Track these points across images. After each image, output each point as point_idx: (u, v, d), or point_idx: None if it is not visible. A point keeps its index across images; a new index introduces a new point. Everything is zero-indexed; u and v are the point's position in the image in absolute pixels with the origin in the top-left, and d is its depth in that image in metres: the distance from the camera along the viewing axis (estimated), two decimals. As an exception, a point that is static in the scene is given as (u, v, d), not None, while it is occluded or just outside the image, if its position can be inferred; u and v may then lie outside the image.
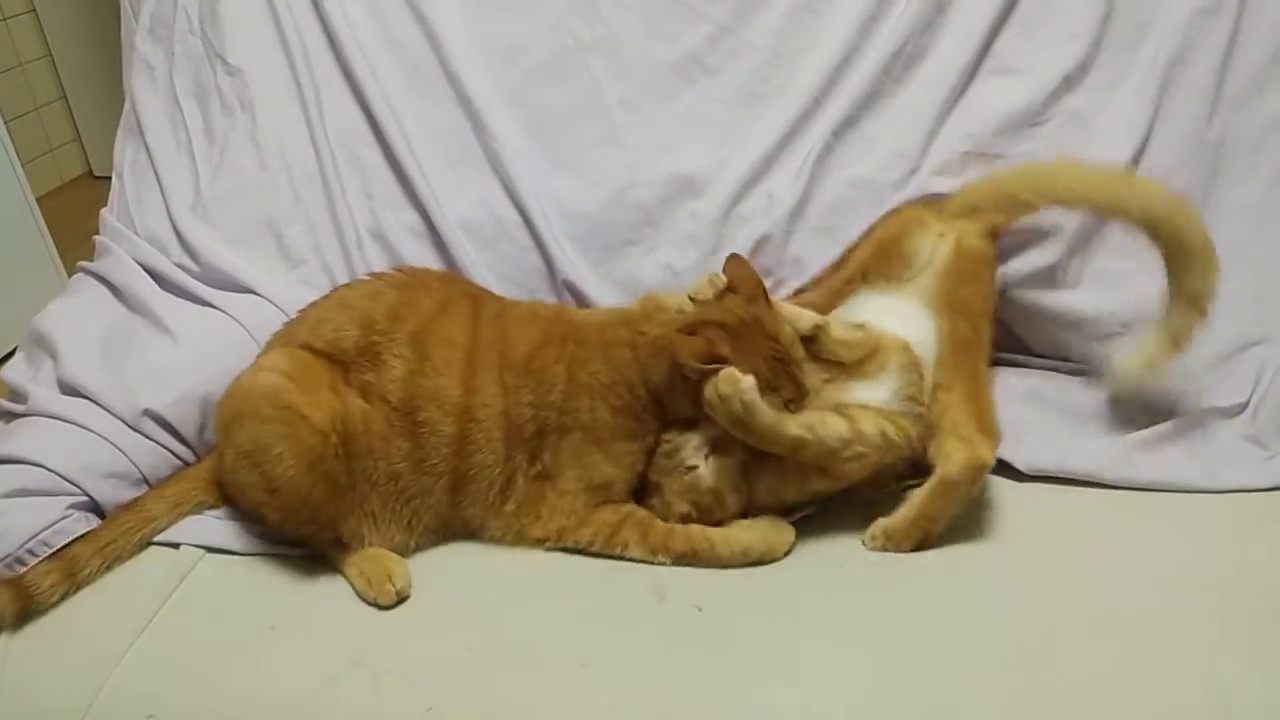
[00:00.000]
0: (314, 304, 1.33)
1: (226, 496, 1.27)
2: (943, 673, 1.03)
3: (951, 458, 1.17)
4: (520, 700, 1.03)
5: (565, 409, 1.21)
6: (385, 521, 1.22)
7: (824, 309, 1.36)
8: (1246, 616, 1.08)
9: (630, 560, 1.20)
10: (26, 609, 1.11)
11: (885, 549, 1.20)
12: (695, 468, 1.21)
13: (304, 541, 1.21)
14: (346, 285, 1.36)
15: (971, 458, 1.17)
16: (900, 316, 1.31)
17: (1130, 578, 1.13)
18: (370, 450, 1.20)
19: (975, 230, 1.36)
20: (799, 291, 1.48)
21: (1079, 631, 1.06)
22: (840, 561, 1.19)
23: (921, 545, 1.19)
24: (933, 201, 1.43)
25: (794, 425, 1.16)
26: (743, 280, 1.25)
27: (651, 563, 1.20)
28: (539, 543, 1.23)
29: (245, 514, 1.25)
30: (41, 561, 1.14)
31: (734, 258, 1.30)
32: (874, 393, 1.24)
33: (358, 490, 1.20)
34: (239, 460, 1.17)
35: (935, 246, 1.35)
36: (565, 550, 1.22)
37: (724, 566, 1.19)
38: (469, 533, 1.25)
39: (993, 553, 1.18)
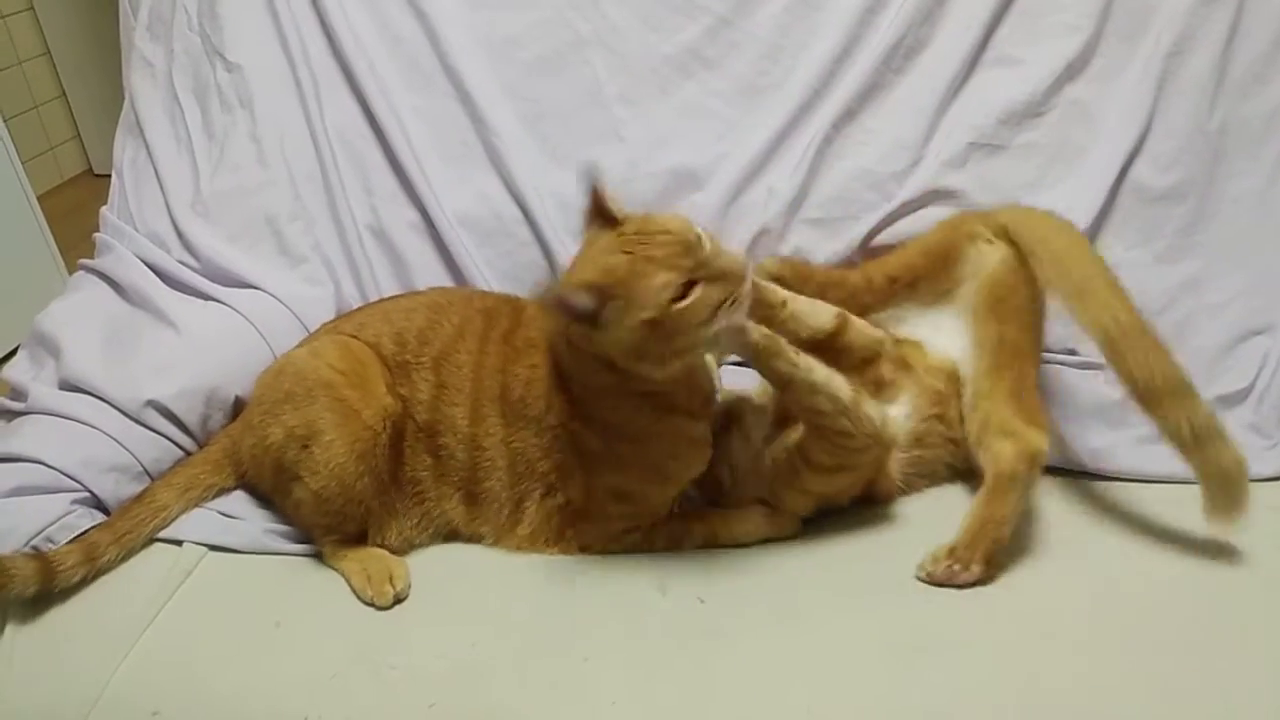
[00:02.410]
0: (361, 308, 1.37)
1: (246, 472, 1.27)
2: (943, 667, 1.03)
3: (1002, 454, 1.16)
4: (523, 695, 1.03)
5: (580, 449, 1.18)
6: (401, 517, 1.22)
7: (867, 304, 1.34)
8: (1249, 609, 1.08)
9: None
10: (50, 583, 1.11)
11: (951, 571, 1.11)
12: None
13: (321, 529, 1.21)
14: (390, 298, 1.38)
15: (1022, 448, 1.15)
16: (943, 332, 1.31)
17: (1133, 570, 1.13)
18: (400, 453, 1.22)
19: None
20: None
21: (1080, 626, 1.06)
22: (842, 555, 1.19)
23: (991, 558, 1.12)
24: (984, 212, 1.37)
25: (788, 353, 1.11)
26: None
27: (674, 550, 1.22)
28: (552, 553, 1.22)
29: (268, 491, 1.26)
30: (63, 544, 1.15)
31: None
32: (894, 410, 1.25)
33: (387, 486, 1.22)
34: (288, 438, 1.18)
35: (983, 254, 1.31)
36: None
37: (737, 544, 1.21)
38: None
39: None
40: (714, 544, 1.21)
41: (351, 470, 1.16)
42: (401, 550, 1.22)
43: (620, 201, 1.10)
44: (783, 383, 1.13)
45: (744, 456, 1.24)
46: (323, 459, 1.16)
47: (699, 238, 1.04)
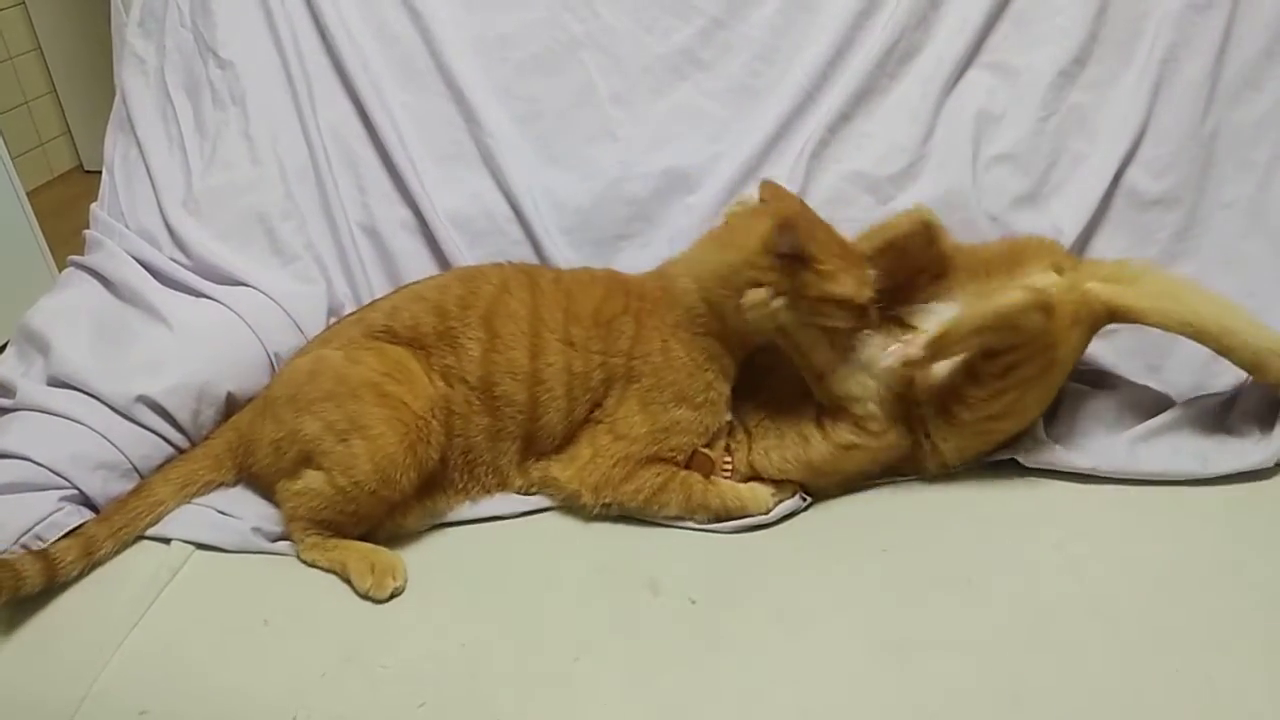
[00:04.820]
0: (386, 296, 1.38)
1: (251, 465, 1.27)
2: (936, 667, 1.03)
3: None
4: (514, 695, 1.03)
5: (634, 354, 1.24)
6: (438, 486, 1.25)
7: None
8: (1235, 609, 1.08)
9: (665, 521, 1.24)
10: (52, 580, 1.12)
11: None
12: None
13: (320, 524, 1.20)
14: (415, 282, 1.39)
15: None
16: None
17: (1122, 571, 1.13)
18: (450, 430, 1.24)
19: (1088, 303, 1.24)
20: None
21: (1073, 626, 1.06)
22: (835, 554, 1.19)
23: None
24: (1077, 258, 1.35)
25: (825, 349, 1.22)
26: (779, 198, 1.28)
27: (686, 520, 1.24)
28: (568, 493, 1.25)
29: (274, 477, 1.24)
30: (61, 538, 1.15)
31: (767, 183, 1.31)
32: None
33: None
34: (326, 431, 1.18)
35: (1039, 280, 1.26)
36: (604, 508, 1.24)
37: (747, 516, 1.23)
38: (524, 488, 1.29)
39: (988, 547, 1.18)
40: (728, 513, 1.23)
41: (400, 463, 1.17)
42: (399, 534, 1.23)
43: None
44: (820, 370, 1.23)
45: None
46: (366, 452, 1.16)
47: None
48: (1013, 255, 1.32)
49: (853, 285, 1.18)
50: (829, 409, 1.25)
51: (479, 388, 1.24)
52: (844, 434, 1.23)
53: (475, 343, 1.25)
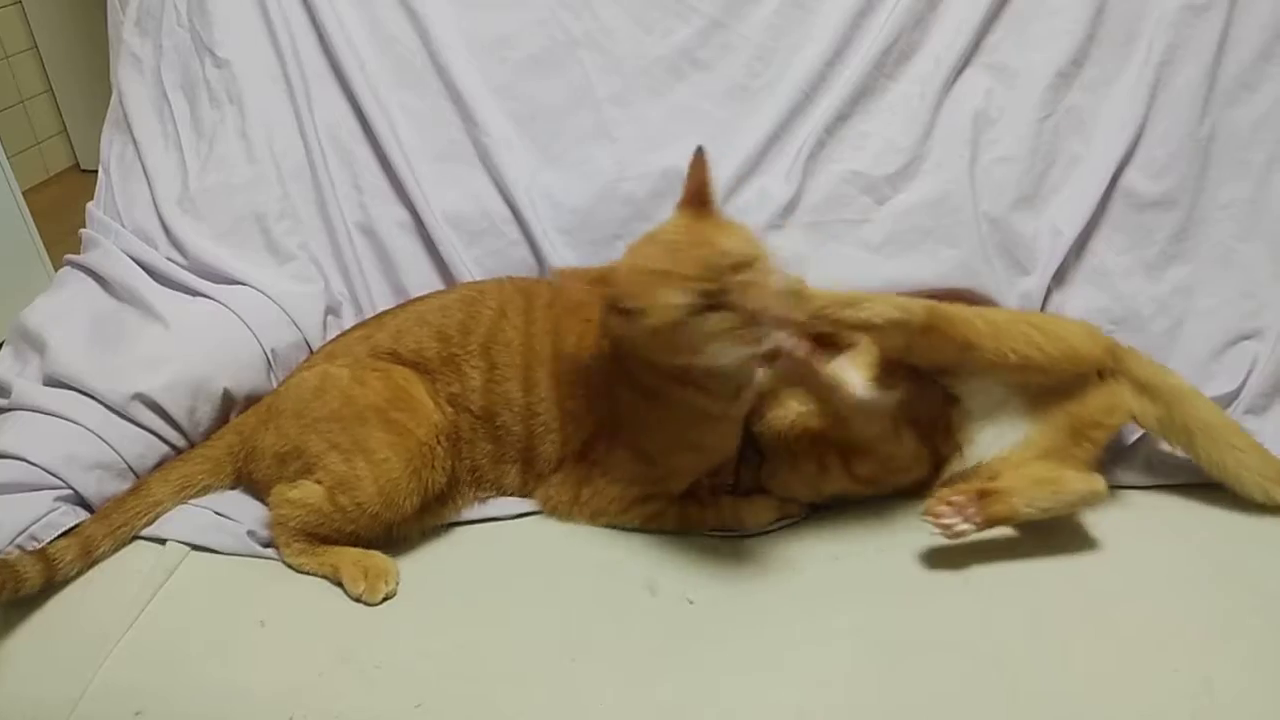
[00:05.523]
0: (389, 312, 1.37)
1: (250, 471, 1.26)
2: (932, 669, 1.03)
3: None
4: (510, 695, 1.03)
5: (613, 401, 1.22)
6: (443, 499, 1.25)
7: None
8: (1231, 612, 1.08)
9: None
10: (51, 578, 1.12)
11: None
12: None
13: (310, 536, 1.19)
14: (418, 299, 1.39)
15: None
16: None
17: (1120, 572, 1.14)
18: (458, 454, 1.25)
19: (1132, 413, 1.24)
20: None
21: (1068, 628, 1.06)
22: (833, 556, 1.19)
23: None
24: (1122, 355, 1.26)
25: None
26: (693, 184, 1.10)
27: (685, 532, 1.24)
28: (565, 516, 1.26)
29: (272, 482, 1.23)
30: (59, 537, 1.15)
31: (697, 152, 1.11)
32: None
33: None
34: (330, 450, 1.19)
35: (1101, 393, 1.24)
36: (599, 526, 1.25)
37: (746, 531, 1.24)
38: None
39: (984, 550, 1.18)
40: (726, 529, 1.23)
41: (404, 487, 1.17)
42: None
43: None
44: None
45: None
46: (370, 475, 1.16)
47: (736, 263, 1.03)
48: (1066, 369, 1.22)
49: (671, 296, 1.01)
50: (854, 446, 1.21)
51: (482, 416, 1.25)
52: (867, 467, 1.22)
53: (477, 372, 1.25)
